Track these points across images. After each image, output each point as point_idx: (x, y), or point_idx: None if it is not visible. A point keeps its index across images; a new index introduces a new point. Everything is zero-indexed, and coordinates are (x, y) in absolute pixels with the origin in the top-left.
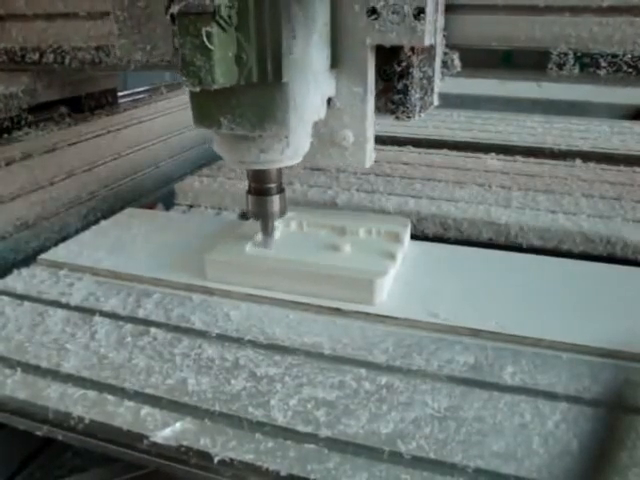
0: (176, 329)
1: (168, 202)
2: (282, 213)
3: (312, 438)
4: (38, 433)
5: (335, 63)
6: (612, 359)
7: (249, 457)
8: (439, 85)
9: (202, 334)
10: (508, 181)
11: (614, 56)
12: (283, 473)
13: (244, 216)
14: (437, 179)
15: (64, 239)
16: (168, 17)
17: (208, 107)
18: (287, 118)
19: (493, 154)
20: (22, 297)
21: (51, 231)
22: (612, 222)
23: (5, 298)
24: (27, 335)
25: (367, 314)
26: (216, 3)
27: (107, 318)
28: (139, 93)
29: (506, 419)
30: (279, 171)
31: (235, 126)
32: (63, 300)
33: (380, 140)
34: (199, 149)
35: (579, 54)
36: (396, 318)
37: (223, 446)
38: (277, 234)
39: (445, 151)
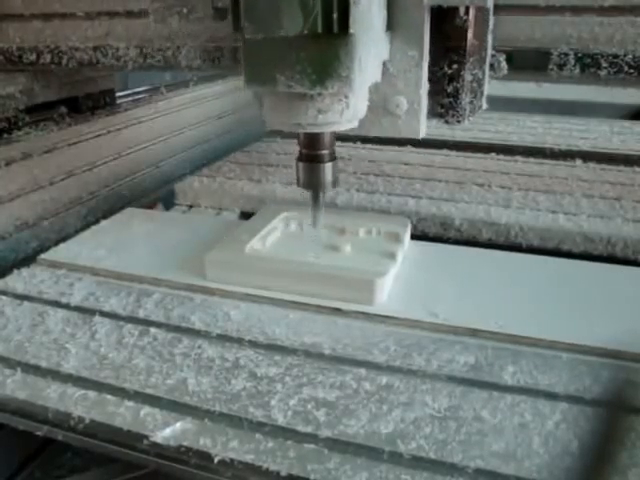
0: (176, 329)
1: (168, 202)
2: (334, 184)
3: (312, 438)
4: (38, 433)
5: (389, 25)
6: (612, 359)
7: (249, 457)
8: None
9: (202, 334)
10: (508, 181)
11: (615, 57)
12: (283, 473)
13: (244, 216)
14: (437, 179)
15: (64, 239)
16: None
17: (263, 63)
18: (351, 75)
19: (493, 154)
20: (22, 297)
21: (51, 231)
22: (612, 222)
23: (5, 298)
24: (27, 335)
25: (367, 314)
26: None
27: (107, 318)
28: (139, 93)
29: (506, 419)
30: (332, 137)
31: (293, 83)
32: (63, 300)
33: (380, 140)
34: (199, 149)
35: (580, 54)
36: (396, 318)
37: (223, 446)
38: (277, 234)
39: (445, 151)
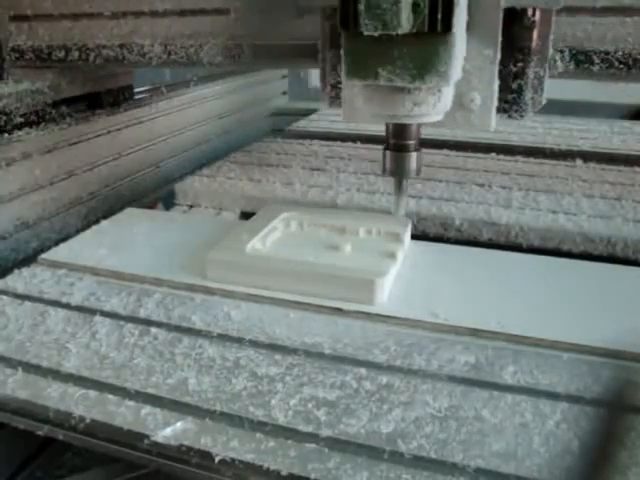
0: (177, 329)
1: (168, 202)
2: (418, 172)
3: (313, 438)
4: (39, 433)
5: (467, 26)
6: (613, 359)
7: (250, 457)
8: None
9: (203, 334)
10: (508, 181)
11: (607, 53)
12: (284, 473)
13: (244, 216)
14: (437, 179)
15: (64, 239)
16: None
17: (365, 58)
18: (448, 71)
19: (493, 154)
20: (23, 297)
21: (51, 231)
22: (613, 222)
23: (6, 298)
24: (28, 335)
25: (367, 314)
26: None
27: (108, 318)
28: (139, 93)
29: (507, 419)
30: (419, 128)
31: (394, 77)
32: (64, 300)
33: (380, 140)
34: (199, 149)
35: (574, 51)
36: (397, 318)
37: (224, 446)
38: (277, 234)
39: (445, 151)
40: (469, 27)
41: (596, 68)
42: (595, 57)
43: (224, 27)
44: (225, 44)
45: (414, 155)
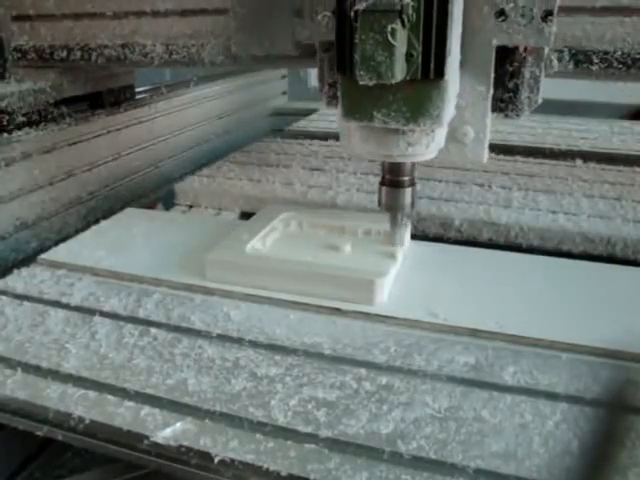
0: (176, 329)
1: (168, 202)
2: (412, 206)
3: (312, 438)
4: (38, 433)
5: (460, 64)
6: (612, 359)
7: (249, 457)
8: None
9: (202, 334)
10: (508, 181)
11: (605, 53)
12: (283, 473)
13: (244, 216)
14: (437, 179)
15: (64, 239)
16: (352, 14)
17: (361, 102)
18: (441, 114)
19: (493, 154)
20: (22, 297)
21: (51, 231)
22: (612, 222)
23: (5, 298)
24: (27, 335)
25: (367, 314)
26: (404, 2)
27: (107, 318)
28: (139, 93)
29: (506, 419)
30: (413, 164)
31: (389, 120)
32: (63, 300)
33: None
34: (199, 149)
35: (574, 51)
36: (396, 318)
37: (223, 446)
38: (277, 234)
39: None
40: (462, 64)
41: (595, 68)
42: (594, 57)
43: (225, 27)
44: (226, 44)
45: (409, 190)
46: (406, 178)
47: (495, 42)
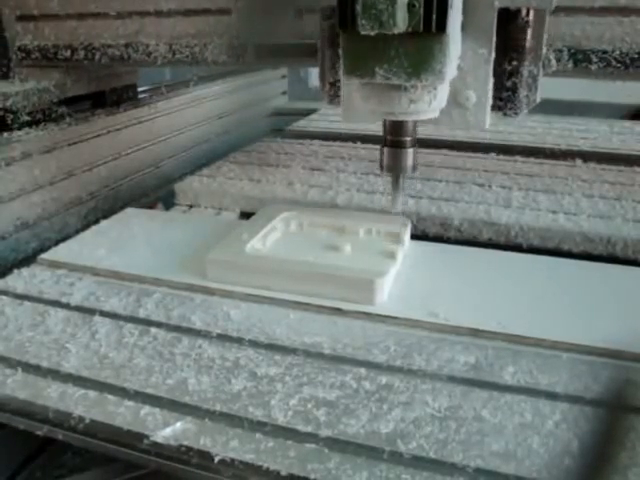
0: (176, 329)
1: (168, 202)
2: (414, 169)
3: (312, 438)
4: (38, 433)
5: (462, 26)
6: (612, 359)
7: (249, 457)
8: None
9: (202, 334)
10: (508, 181)
11: (604, 52)
12: (283, 473)
13: (244, 216)
14: (437, 179)
15: (64, 239)
16: None
17: (363, 57)
18: (443, 69)
19: (493, 154)
20: (22, 297)
21: (51, 231)
22: (612, 222)
23: (5, 298)
24: (27, 335)
25: (367, 314)
26: None
27: (107, 318)
28: (139, 93)
29: (506, 419)
30: (415, 124)
31: (391, 76)
32: (63, 300)
33: (380, 140)
34: (199, 149)
35: (573, 51)
36: (396, 318)
37: (223, 446)
38: (277, 234)
39: (445, 151)
40: (464, 27)
41: (594, 67)
42: (593, 56)
43: (228, 26)
44: (229, 43)
45: (410, 151)
46: (408, 138)
47: (497, 4)
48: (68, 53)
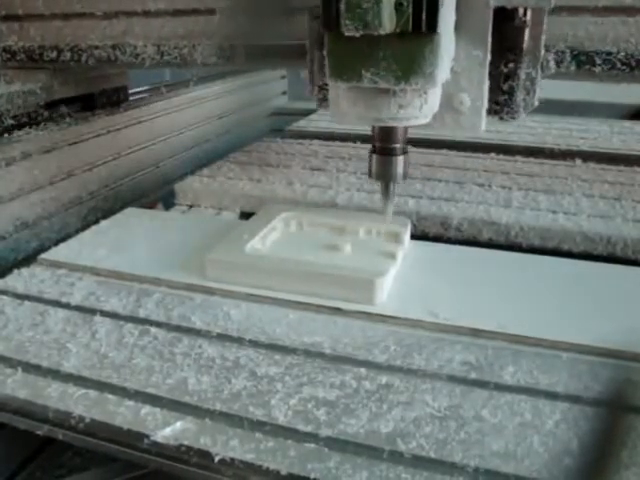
0: (176, 329)
1: (168, 202)
2: (405, 176)
3: (312, 437)
4: (38, 432)
5: (455, 26)
6: (612, 359)
7: (249, 456)
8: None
9: (202, 334)
10: (508, 181)
11: (608, 54)
12: (283, 472)
13: (244, 216)
14: (437, 179)
15: (64, 239)
16: None
17: (349, 59)
18: (434, 72)
19: (493, 154)
20: (22, 297)
21: (51, 231)
22: (612, 222)
23: (5, 298)
24: (27, 335)
25: (367, 314)
26: None
27: (107, 318)
28: (139, 93)
29: (506, 418)
30: (405, 131)
31: (379, 79)
32: (63, 300)
33: None
34: (199, 149)
35: (576, 52)
36: (396, 318)
37: (223, 445)
38: (277, 234)
39: (445, 151)
40: (458, 27)
41: (598, 69)
42: (597, 58)
43: (217, 27)
44: (219, 44)
45: (401, 159)
46: (398, 145)
47: (493, 2)
48: (54, 54)
